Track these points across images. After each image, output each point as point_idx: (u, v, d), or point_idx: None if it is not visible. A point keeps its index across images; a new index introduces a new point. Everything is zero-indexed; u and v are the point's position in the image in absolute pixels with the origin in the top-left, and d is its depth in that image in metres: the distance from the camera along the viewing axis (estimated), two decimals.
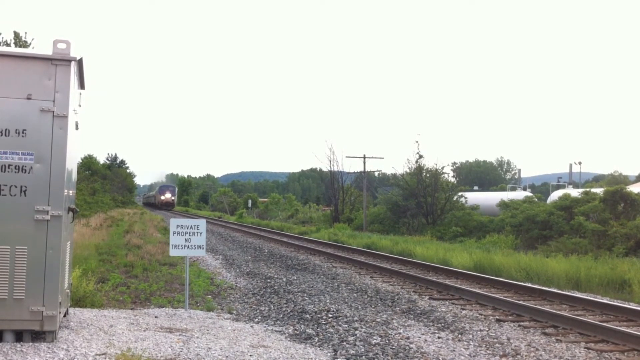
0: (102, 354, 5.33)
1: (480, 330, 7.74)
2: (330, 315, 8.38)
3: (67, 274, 6.45)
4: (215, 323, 7.50)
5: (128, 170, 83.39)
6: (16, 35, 20.86)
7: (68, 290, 6.58)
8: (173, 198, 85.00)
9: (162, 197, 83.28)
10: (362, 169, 40.03)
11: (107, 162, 77.43)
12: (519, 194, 39.77)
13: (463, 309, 9.38)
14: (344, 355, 6.27)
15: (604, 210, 22.17)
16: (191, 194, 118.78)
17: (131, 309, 8.29)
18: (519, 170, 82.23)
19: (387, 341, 6.94)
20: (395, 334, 7.33)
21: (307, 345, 6.68)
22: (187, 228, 8.69)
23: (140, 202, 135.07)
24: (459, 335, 7.42)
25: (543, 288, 11.22)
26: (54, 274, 5.47)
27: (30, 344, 5.39)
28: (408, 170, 35.40)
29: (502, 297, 9.93)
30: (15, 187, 5.42)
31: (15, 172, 5.43)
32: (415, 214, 33.10)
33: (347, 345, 6.69)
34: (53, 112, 5.53)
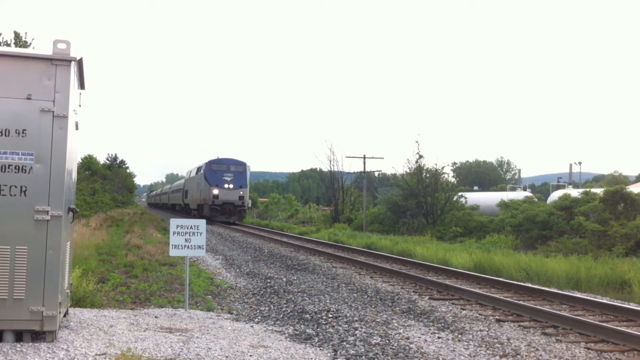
0: (102, 354, 5.33)
1: (480, 330, 7.74)
2: (330, 315, 8.38)
3: (67, 274, 6.46)
4: (215, 323, 7.50)
5: (128, 170, 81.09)
6: (16, 35, 20.88)
7: (68, 290, 6.58)
8: (242, 193, 37.78)
9: (216, 191, 37.04)
10: (362, 169, 40.05)
11: (107, 162, 75.77)
12: (519, 194, 39.81)
13: (463, 309, 9.37)
14: (344, 355, 6.27)
15: (604, 210, 22.18)
16: None
17: (131, 309, 8.29)
18: (519, 170, 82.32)
19: (387, 341, 6.94)
20: (395, 334, 7.33)
21: (307, 345, 6.68)
22: (187, 228, 8.69)
23: (142, 202, 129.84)
24: (459, 335, 7.42)
25: (543, 288, 11.21)
26: (54, 274, 5.47)
27: (30, 344, 5.39)
28: (408, 170, 35.43)
29: (502, 297, 9.92)
30: (15, 187, 5.43)
31: (15, 172, 5.43)
32: (415, 214, 33.10)
33: (347, 345, 6.69)
34: (53, 112, 5.53)
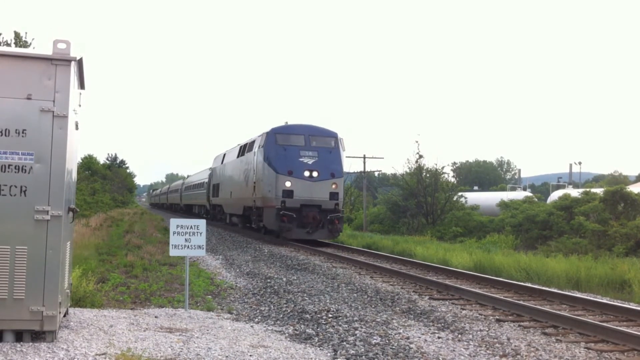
0: (102, 354, 5.34)
1: (480, 330, 7.74)
2: (330, 315, 8.38)
3: (67, 274, 6.46)
4: (215, 323, 7.51)
5: (128, 170, 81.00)
6: (16, 35, 20.91)
7: (68, 290, 6.59)
8: (335, 187, 21.26)
9: (288, 183, 20.94)
10: (362, 169, 40.09)
11: (107, 162, 75.65)
12: (519, 194, 39.92)
13: (463, 309, 9.37)
14: (344, 355, 6.27)
15: (604, 210, 22.22)
16: None
17: (131, 309, 8.29)
18: (519, 170, 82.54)
19: (387, 341, 6.94)
20: (395, 334, 7.33)
21: (307, 345, 6.69)
22: (187, 228, 8.68)
23: (141, 202, 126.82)
24: (459, 335, 7.42)
25: (543, 288, 11.21)
26: (54, 274, 5.48)
27: (30, 344, 5.39)
28: (408, 170, 35.47)
29: (502, 297, 9.92)
30: (15, 187, 5.43)
31: (15, 172, 5.44)
32: (415, 214, 33.14)
33: (347, 345, 6.69)
34: (53, 112, 5.54)
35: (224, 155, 31.29)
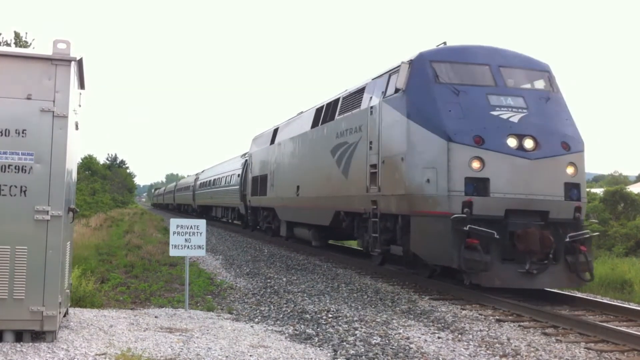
0: (102, 354, 5.34)
1: (480, 330, 7.74)
2: (330, 315, 8.38)
3: (67, 274, 6.47)
4: (215, 323, 7.51)
5: (128, 171, 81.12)
6: (16, 35, 20.93)
7: (68, 290, 6.60)
8: (573, 171, 9.74)
9: (477, 164, 9.14)
10: None
11: (107, 162, 75.72)
12: None
13: (463, 309, 9.37)
14: (344, 355, 6.27)
15: (604, 210, 22.23)
16: None
17: (131, 309, 8.30)
18: None
19: (387, 341, 6.94)
20: (395, 334, 7.33)
21: (307, 345, 6.69)
22: (187, 228, 8.69)
23: (141, 202, 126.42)
24: (459, 335, 7.42)
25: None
26: (54, 274, 5.49)
27: (30, 344, 5.40)
28: None
29: (502, 297, 9.92)
30: (15, 187, 5.44)
31: (15, 172, 5.45)
32: None
33: (347, 345, 6.69)
34: (53, 112, 5.54)
35: (275, 130, 20.42)
